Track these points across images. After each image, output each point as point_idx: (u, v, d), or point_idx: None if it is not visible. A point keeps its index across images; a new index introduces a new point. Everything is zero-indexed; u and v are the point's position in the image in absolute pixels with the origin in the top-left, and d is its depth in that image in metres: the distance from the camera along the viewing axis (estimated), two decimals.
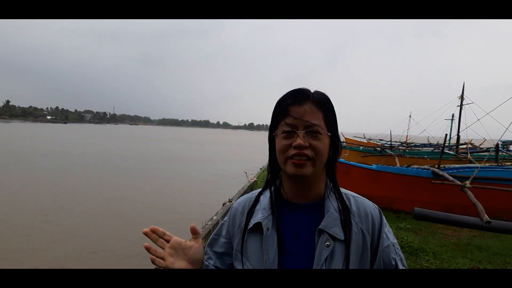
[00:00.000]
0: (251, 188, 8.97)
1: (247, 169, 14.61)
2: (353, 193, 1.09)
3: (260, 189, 1.13)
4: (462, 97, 18.27)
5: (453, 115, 22.52)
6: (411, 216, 3.76)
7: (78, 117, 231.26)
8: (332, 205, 1.01)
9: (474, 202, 5.00)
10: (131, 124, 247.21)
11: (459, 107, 18.26)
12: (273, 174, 1.10)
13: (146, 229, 0.98)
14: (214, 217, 5.15)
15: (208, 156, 28.86)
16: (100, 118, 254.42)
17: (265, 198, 1.08)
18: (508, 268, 4.70)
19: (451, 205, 6.36)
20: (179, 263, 0.98)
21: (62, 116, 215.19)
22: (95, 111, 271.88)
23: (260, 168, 15.29)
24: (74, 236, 7.61)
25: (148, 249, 0.97)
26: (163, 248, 0.99)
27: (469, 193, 5.60)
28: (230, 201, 6.25)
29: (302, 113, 0.97)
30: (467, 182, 6.33)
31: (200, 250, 1.01)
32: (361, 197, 1.08)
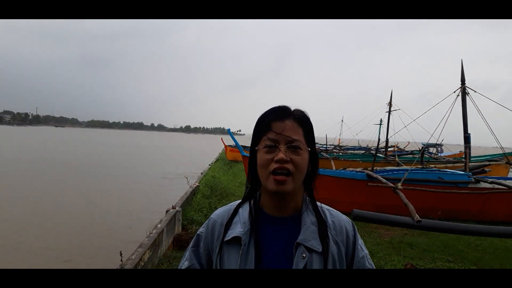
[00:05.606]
0: (193, 193, 8.78)
1: (187, 174, 14.31)
2: (328, 206, 1.14)
3: (239, 201, 1.16)
4: (390, 104, 19.75)
5: (381, 120, 24.19)
6: (350, 217, 3.95)
7: None
8: (309, 218, 1.05)
9: (406, 203, 5.41)
10: (56, 126, 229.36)
11: (387, 113, 19.68)
12: (253, 187, 1.13)
13: None
14: (159, 225, 4.94)
15: (144, 160, 27.78)
16: (22, 119, 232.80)
17: (244, 212, 1.10)
18: (437, 263, 5.14)
19: (385, 206, 6.81)
20: None
21: None
22: (15, 112, 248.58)
23: (201, 173, 14.92)
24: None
25: None
26: None
27: (401, 194, 6.06)
28: (173, 207, 6.02)
29: (284, 129, 1.01)
30: (399, 184, 6.83)
31: None
32: (335, 210, 1.14)
